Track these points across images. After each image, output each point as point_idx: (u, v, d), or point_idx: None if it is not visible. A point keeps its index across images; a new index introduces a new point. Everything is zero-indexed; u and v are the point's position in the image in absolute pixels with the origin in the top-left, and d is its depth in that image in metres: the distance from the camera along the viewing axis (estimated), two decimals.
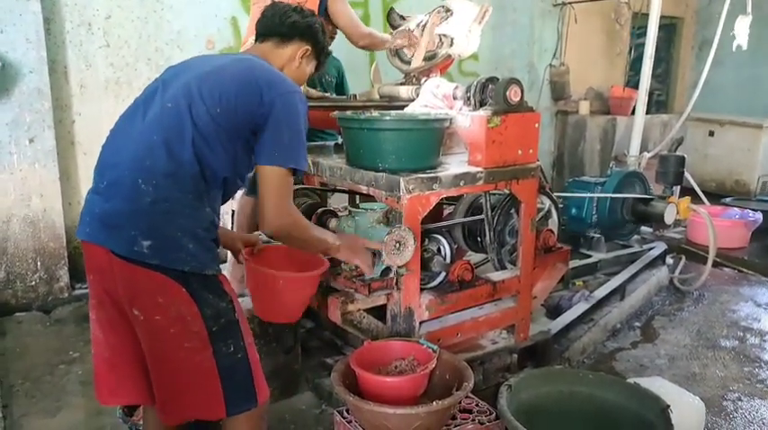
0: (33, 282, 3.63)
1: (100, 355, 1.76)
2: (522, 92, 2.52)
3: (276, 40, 1.97)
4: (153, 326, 1.62)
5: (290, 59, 1.97)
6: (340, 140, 2.76)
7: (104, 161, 1.72)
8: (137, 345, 1.69)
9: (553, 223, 3.02)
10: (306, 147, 1.81)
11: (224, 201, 1.84)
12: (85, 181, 3.90)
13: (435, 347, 2.10)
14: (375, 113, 2.56)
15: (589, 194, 4.20)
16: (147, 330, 1.64)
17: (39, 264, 3.63)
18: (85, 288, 3.76)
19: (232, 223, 2.75)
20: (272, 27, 1.98)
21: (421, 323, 2.42)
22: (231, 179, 1.77)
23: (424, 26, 3.21)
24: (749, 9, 5.01)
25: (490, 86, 2.55)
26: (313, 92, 3.43)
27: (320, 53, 2.04)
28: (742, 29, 5.06)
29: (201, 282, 1.63)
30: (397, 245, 2.18)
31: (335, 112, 2.47)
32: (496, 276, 2.68)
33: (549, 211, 3.01)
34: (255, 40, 2.04)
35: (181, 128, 1.65)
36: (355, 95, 3.33)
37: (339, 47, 3.83)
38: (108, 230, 1.61)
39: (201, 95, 1.68)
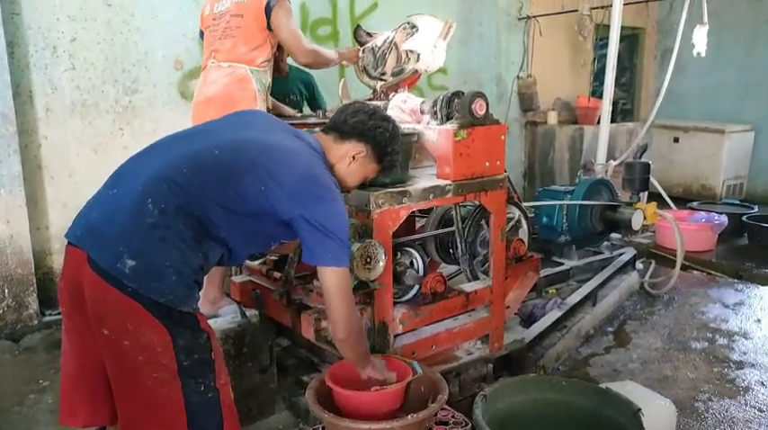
0: (1, 310, 3.54)
1: (65, 370, 1.72)
2: (487, 105, 2.57)
3: (336, 136, 1.99)
4: (121, 349, 1.55)
5: (343, 158, 1.97)
6: None
7: (125, 168, 1.71)
8: (103, 363, 1.62)
9: (523, 233, 3.06)
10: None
11: (218, 264, 1.79)
12: (53, 205, 3.83)
13: (419, 370, 2.11)
14: None
15: (558, 202, 4.27)
16: (114, 352, 1.58)
17: (6, 291, 3.55)
18: (56, 314, 3.76)
19: None
20: (336, 122, 2.02)
21: (395, 336, 2.43)
22: (233, 250, 1.75)
23: (391, 42, 3.26)
24: (705, 18, 5.19)
25: (456, 100, 2.60)
26: (286, 109, 3.45)
27: (381, 157, 2.01)
28: (700, 38, 5.23)
29: (175, 316, 1.57)
30: (368, 259, 2.19)
31: (304, 130, 2.48)
32: (469, 287, 2.71)
33: (518, 221, 3.05)
34: (323, 130, 2.05)
35: (213, 177, 1.65)
36: (324, 112, 3.36)
37: None
38: (97, 238, 1.57)
39: (254, 165, 1.70)
